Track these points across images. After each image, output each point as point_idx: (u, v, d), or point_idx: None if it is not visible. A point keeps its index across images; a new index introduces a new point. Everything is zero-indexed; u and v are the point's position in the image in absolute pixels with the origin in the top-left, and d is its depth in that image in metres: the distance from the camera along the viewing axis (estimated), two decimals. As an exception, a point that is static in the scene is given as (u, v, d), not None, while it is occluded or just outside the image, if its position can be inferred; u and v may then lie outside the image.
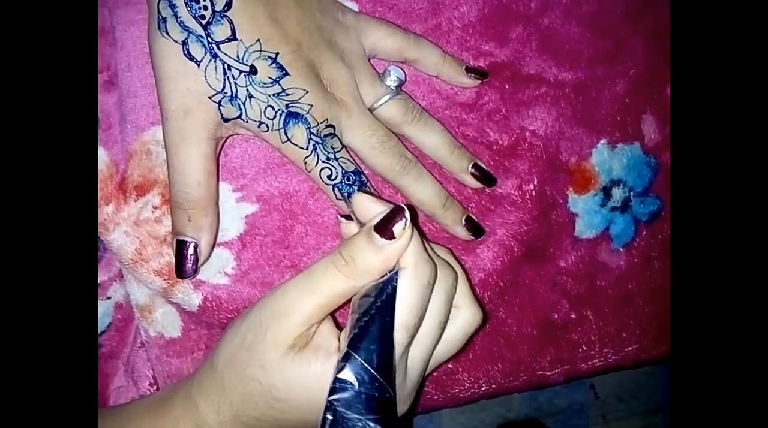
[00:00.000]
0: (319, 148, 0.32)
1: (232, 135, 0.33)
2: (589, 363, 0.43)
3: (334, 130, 0.32)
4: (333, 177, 0.32)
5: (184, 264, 0.32)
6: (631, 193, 0.41)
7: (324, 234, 0.36)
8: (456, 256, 0.33)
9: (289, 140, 0.31)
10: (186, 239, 0.32)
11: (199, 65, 0.29)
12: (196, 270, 0.32)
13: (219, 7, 0.28)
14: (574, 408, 0.87)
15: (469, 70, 0.36)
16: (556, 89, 0.39)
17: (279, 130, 0.31)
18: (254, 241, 0.36)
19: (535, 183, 0.39)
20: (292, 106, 0.31)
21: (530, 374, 0.42)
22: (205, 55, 0.29)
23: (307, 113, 0.31)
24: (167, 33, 0.29)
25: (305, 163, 0.32)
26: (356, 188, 0.33)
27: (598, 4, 0.39)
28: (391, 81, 0.34)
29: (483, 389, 0.41)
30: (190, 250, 0.32)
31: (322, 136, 0.32)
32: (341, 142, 0.32)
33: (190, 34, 0.28)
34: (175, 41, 0.29)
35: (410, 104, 0.35)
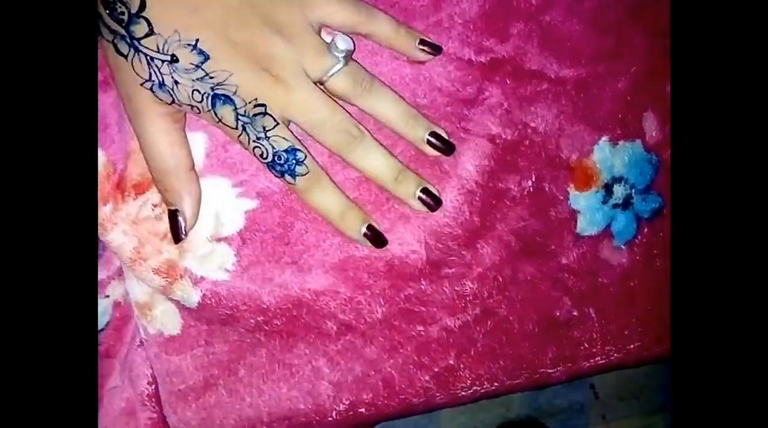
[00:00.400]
0: (249, 127, 0.32)
1: (186, 112, 0.34)
2: (592, 360, 0.43)
3: (266, 108, 0.32)
4: (264, 156, 0.33)
5: (175, 230, 0.34)
6: (633, 191, 0.41)
7: (324, 230, 0.36)
8: None
9: (220, 120, 0.32)
10: (172, 207, 0.34)
11: (126, 59, 0.31)
12: (185, 234, 0.34)
13: (134, 10, 0.30)
14: (574, 408, 0.87)
15: (423, 42, 0.36)
16: (557, 86, 0.39)
17: (209, 111, 0.32)
18: (254, 237, 0.36)
19: (533, 179, 0.39)
20: (218, 88, 0.31)
21: (532, 371, 0.41)
22: (129, 50, 0.30)
23: (234, 94, 0.31)
24: (102, 35, 0.31)
25: (240, 141, 0.33)
26: (288, 167, 0.33)
27: (599, 1, 0.39)
28: (338, 52, 0.33)
29: (485, 387, 0.41)
30: (178, 217, 0.34)
31: (250, 115, 0.32)
32: (275, 120, 0.32)
33: (116, 35, 0.30)
34: (108, 41, 0.31)
35: (360, 75, 0.34)
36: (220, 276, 0.36)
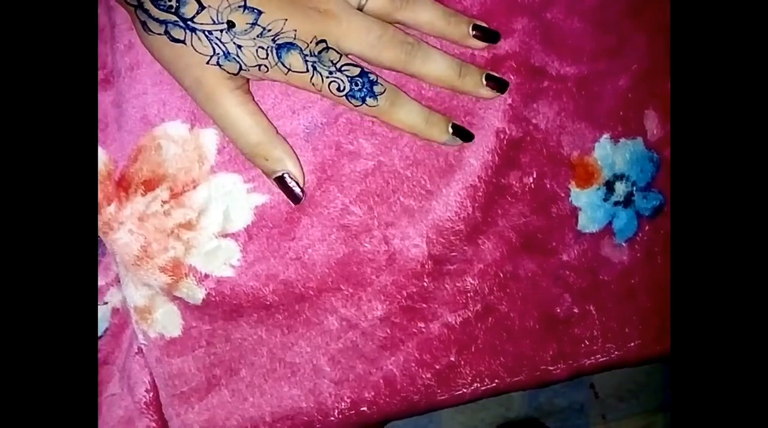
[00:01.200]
0: (318, 65, 0.33)
1: (253, 80, 0.34)
2: (592, 358, 0.43)
3: (327, 43, 0.33)
4: (341, 88, 0.33)
5: (291, 192, 0.35)
6: (634, 188, 0.42)
7: (329, 225, 0.37)
8: None
9: (289, 70, 0.32)
10: (278, 173, 0.34)
11: (185, 43, 0.31)
12: (303, 192, 0.35)
13: None
14: (574, 407, 0.87)
15: (477, 28, 0.36)
16: (558, 83, 0.39)
17: (276, 64, 0.32)
18: (261, 233, 0.36)
19: (534, 176, 0.39)
20: (279, 38, 0.32)
21: (533, 369, 0.42)
22: (186, 33, 0.31)
23: (294, 39, 0.32)
24: (151, 31, 0.31)
25: (313, 84, 0.33)
26: (367, 90, 0.33)
27: (600, -1, 0.39)
28: None
29: (486, 384, 0.41)
30: (287, 179, 0.34)
31: (316, 53, 0.32)
32: (338, 53, 0.33)
33: (168, 24, 0.30)
34: (159, 34, 0.31)
35: None
36: (225, 272, 0.36)
